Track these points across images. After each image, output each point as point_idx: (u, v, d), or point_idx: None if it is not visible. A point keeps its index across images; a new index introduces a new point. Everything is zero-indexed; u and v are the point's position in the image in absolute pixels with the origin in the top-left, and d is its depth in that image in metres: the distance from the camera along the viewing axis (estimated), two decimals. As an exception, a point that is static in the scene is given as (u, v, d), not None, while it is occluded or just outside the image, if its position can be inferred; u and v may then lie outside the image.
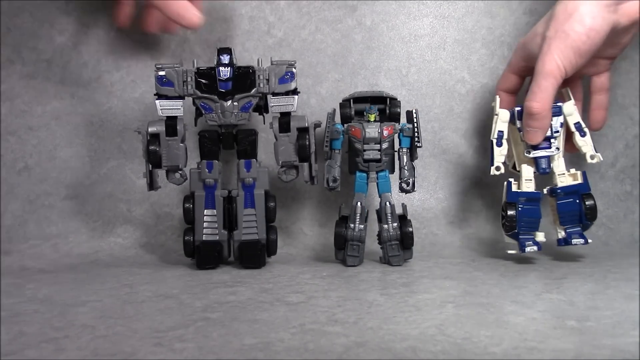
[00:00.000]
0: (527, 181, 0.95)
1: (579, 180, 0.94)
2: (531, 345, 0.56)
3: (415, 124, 0.96)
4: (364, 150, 0.94)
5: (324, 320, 0.64)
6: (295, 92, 0.94)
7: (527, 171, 0.95)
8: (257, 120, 1.00)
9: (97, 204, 1.11)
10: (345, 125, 0.97)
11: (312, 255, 1.05)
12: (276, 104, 0.94)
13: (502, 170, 0.96)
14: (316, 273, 0.90)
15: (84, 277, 0.89)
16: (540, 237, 0.94)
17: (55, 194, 1.11)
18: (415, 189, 0.97)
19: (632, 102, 1.16)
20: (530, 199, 0.94)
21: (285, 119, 0.94)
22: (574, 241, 0.93)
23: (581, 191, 0.94)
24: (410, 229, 0.94)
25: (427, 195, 1.17)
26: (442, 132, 1.17)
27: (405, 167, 0.96)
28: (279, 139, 0.94)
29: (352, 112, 0.98)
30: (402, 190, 0.96)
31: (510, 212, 0.93)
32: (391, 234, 0.94)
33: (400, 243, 0.94)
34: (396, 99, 0.99)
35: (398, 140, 0.97)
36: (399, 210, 0.97)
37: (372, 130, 0.94)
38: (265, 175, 0.96)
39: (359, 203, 0.94)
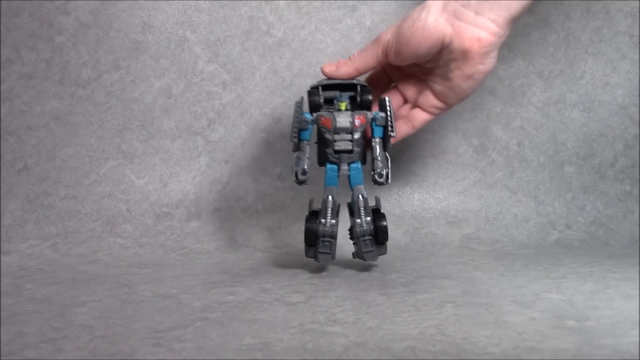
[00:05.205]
0: None
1: None
2: (530, 345, 0.55)
3: (389, 113, 0.89)
4: (335, 141, 0.87)
5: (323, 320, 0.64)
6: None
7: None
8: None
9: (96, 204, 1.11)
10: (315, 114, 0.89)
11: (312, 255, 1.04)
12: None
13: None
14: (315, 273, 0.89)
15: (83, 277, 0.89)
16: None
17: (54, 193, 1.11)
18: (389, 181, 0.89)
19: (632, 102, 1.16)
20: None
21: None
22: None
23: None
24: (385, 223, 0.87)
25: (426, 195, 1.17)
26: (441, 132, 1.17)
27: (379, 158, 0.88)
28: None
29: (322, 100, 0.90)
30: (375, 182, 0.88)
31: None
32: (364, 228, 0.87)
33: (374, 238, 0.88)
34: (367, 86, 0.91)
35: (370, 129, 0.90)
36: (372, 204, 0.91)
37: (343, 119, 0.87)
38: None
39: (330, 197, 0.88)
